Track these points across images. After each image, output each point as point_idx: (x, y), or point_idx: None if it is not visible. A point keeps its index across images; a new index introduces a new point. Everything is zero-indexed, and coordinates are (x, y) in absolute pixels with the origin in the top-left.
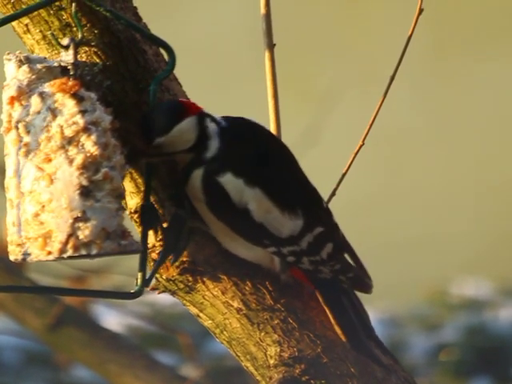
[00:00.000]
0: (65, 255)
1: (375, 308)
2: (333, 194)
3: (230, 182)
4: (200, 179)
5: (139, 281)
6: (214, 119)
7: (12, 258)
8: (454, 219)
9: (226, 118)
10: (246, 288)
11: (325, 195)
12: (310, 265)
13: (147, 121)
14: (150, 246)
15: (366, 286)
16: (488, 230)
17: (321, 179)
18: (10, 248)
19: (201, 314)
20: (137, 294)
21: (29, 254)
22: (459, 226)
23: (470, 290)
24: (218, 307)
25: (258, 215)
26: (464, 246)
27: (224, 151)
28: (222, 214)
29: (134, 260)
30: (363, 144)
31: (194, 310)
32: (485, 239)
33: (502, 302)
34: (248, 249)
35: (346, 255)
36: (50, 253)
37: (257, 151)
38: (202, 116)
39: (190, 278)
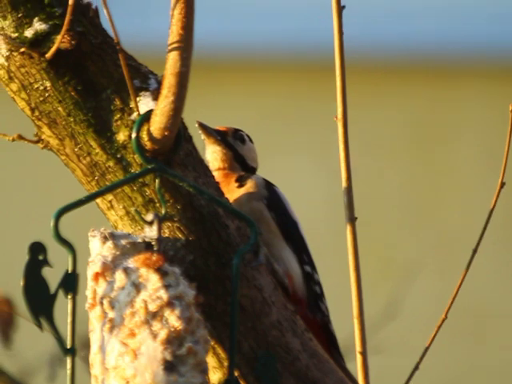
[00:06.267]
0: None
1: None
2: (416, 367)
3: (281, 193)
4: (260, 179)
5: None
6: None
7: None
8: None
9: None
10: None
11: (408, 369)
12: (323, 303)
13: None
14: None
15: None
16: None
17: (403, 352)
18: None
19: None
20: None
21: None
22: None
23: None
24: None
25: (301, 230)
26: None
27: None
28: (277, 214)
29: None
30: (446, 317)
31: None
32: None
33: None
34: (293, 261)
35: None
36: None
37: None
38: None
39: None
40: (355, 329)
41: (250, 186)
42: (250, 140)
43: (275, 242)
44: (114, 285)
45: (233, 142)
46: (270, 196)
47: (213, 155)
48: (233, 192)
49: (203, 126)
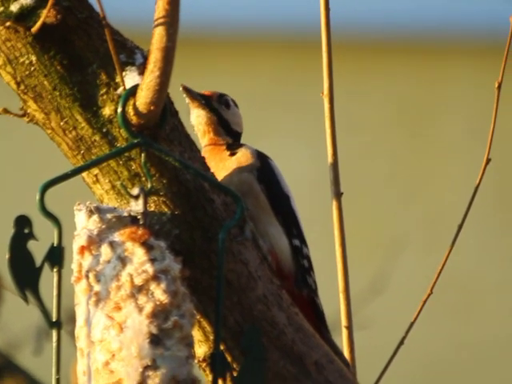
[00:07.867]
0: None
1: None
2: (401, 342)
3: (275, 165)
4: (253, 149)
5: None
6: None
7: None
8: None
9: None
10: None
11: (393, 344)
12: (311, 276)
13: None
14: None
15: None
16: None
17: (389, 327)
18: None
19: None
20: None
21: None
22: None
23: None
24: None
25: (293, 203)
26: None
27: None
28: (268, 186)
29: None
30: (431, 293)
31: None
32: None
33: None
34: (281, 236)
35: None
36: None
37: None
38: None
39: None
40: (341, 304)
41: (241, 155)
42: (236, 105)
43: (262, 216)
44: (100, 258)
45: (217, 106)
46: (262, 167)
47: (197, 119)
48: (224, 160)
49: (187, 90)
